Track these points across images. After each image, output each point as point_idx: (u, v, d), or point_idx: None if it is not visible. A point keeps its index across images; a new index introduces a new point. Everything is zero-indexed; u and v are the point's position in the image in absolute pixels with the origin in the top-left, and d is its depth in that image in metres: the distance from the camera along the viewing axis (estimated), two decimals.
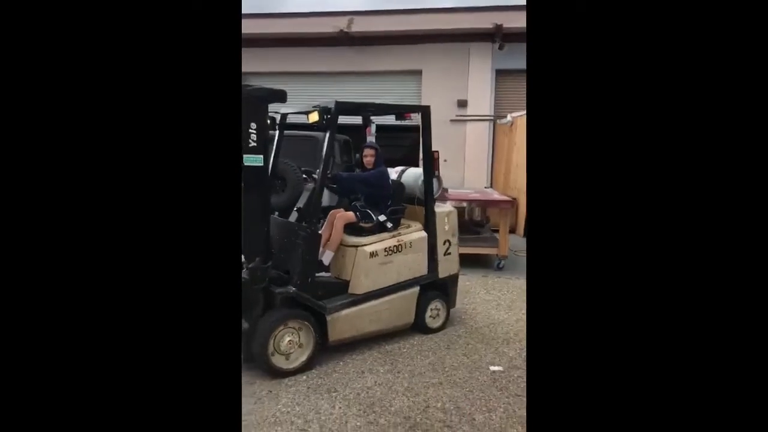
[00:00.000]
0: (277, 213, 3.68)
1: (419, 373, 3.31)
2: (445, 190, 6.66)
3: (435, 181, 4.01)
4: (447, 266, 3.98)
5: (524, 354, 3.54)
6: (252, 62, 10.82)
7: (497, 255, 6.11)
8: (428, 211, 3.84)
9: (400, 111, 3.80)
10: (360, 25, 9.87)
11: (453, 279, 4.09)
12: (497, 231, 6.45)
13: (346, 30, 9.88)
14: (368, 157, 3.77)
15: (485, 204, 6.93)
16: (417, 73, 10.02)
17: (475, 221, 7.28)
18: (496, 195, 7.15)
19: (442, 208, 4.03)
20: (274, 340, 3.14)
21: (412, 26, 9.47)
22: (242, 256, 3.17)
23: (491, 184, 9.30)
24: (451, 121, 9.71)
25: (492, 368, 3.40)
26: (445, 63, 9.69)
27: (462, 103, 9.68)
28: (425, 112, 3.79)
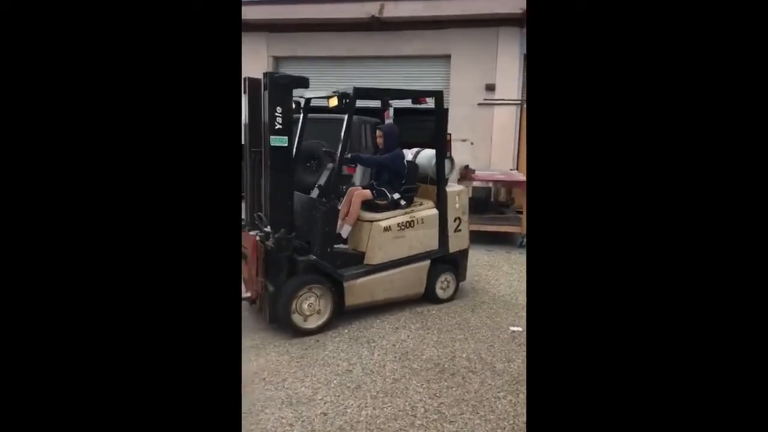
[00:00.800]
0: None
1: (447, 330, 3.76)
2: (473, 171, 6.93)
3: (447, 162, 4.29)
4: (457, 242, 4.28)
5: None
6: (285, 47, 11.22)
7: (520, 233, 6.43)
8: (440, 190, 4.14)
9: (416, 96, 4.06)
10: (390, 11, 10.08)
11: (463, 254, 4.38)
12: (521, 212, 6.72)
13: (377, 15, 10.12)
14: (379, 138, 4.10)
15: (510, 185, 7.17)
16: (446, 58, 10.16)
17: (500, 202, 7.52)
18: (521, 176, 7.33)
19: (453, 188, 4.31)
20: (297, 302, 3.51)
21: (441, 11, 9.60)
22: (269, 227, 3.56)
23: (517, 166, 9.44)
24: (479, 104, 9.85)
25: (512, 329, 3.82)
26: (473, 47, 9.80)
27: (490, 87, 9.78)
28: (438, 96, 4.06)
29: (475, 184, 6.79)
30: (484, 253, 6.11)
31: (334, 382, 2.96)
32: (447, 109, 10.15)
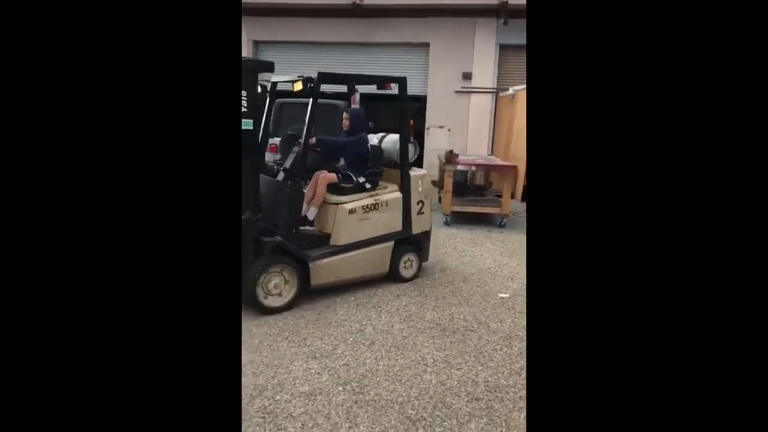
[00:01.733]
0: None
1: (443, 297, 4.18)
2: (456, 155, 7.15)
3: (411, 147, 4.42)
4: (420, 224, 4.44)
5: (525, 286, 4.28)
6: (266, 31, 11.19)
7: (500, 214, 6.87)
8: (403, 174, 4.28)
9: (381, 81, 4.18)
10: None
11: (426, 235, 4.54)
12: (500, 196, 7.12)
13: (359, 2, 10.17)
14: (345, 120, 4.22)
15: (491, 169, 7.43)
16: (425, 46, 10.27)
17: (476, 185, 7.75)
18: (499, 161, 7.72)
19: (416, 172, 4.46)
20: (263, 281, 3.64)
21: (421, 0, 9.69)
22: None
23: (492, 152, 9.61)
24: (456, 92, 9.99)
25: (500, 295, 4.27)
26: (451, 37, 9.92)
27: (467, 76, 9.93)
28: (402, 82, 4.18)
29: (459, 167, 7.07)
30: (466, 232, 6.53)
31: (350, 339, 3.35)
32: (425, 96, 10.30)
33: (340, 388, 2.74)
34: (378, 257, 4.22)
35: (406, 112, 4.30)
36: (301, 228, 3.90)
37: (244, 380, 2.74)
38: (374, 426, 2.41)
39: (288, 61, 11.21)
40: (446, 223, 6.86)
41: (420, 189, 4.39)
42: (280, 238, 3.71)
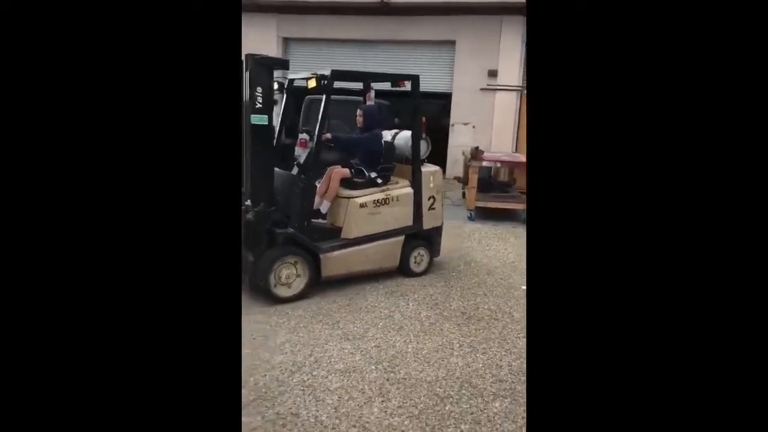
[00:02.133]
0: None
1: (468, 288, 4.35)
2: (482, 152, 7.20)
3: (423, 143, 4.49)
4: (431, 219, 4.50)
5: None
6: (295, 28, 11.40)
7: (523, 210, 6.90)
8: (415, 170, 4.34)
9: (394, 79, 4.26)
10: None
11: (437, 230, 4.60)
12: (524, 192, 7.15)
13: (386, 1, 10.27)
14: (360, 117, 4.31)
15: (515, 165, 7.46)
16: (451, 43, 10.29)
17: (501, 182, 7.77)
18: (523, 158, 7.64)
19: (428, 168, 4.52)
20: (275, 271, 3.78)
21: None
22: (249, 201, 3.81)
23: (516, 149, 9.57)
24: (481, 90, 9.98)
25: (523, 287, 4.37)
26: (477, 34, 9.91)
27: (492, 73, 9.91)
28: (414, 80, 4.24)
29: (484, 164, 7.15)
30: (491, 227, 6.65)
31: (380, 324, 3.56)
32: (450, 93, 10.32)
33: (373, 367, 2.95)
34: (388, 251, 4.30)
35: (419, 110, 4.37)
36: (313, 221, 4.02)
37: (282, 357, 3.01)
38: (405, 401, 2.61)
39: (316, 58, 11.41)
40: (471, 218, 6.92)
41: (431, 185, 4.45)
42: (292, 229, 3.84)
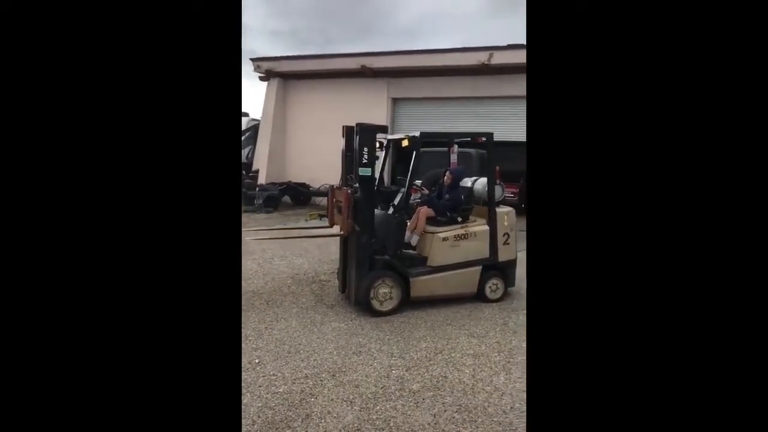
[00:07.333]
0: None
1: None
2: None
3: (498, 188, 5.33)
4: (505, 253, 5.27)
5: None
6: (401, 89, 12.93)
7: None
8: (490, 210, 5.20)
9: (473, 137, 5.21)
10: (498, 58, 11.37)
11: (511, 263, 5.33)
12: None
13: (486, 62, 11.46)
14: (448, 179, 5.32)
15: None
16: None
17: None
18: None
19: (502, 209, 5.34)
20: (374, 290, 4.79)
21: None
22: (357, 185, 4.77)
23: None
24: None
25: None
26: None
27: None
28: (489, 137, 5.16)
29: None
30: None
31: (498, 328, 4.53)
32: None
33: (495, 354, 3.92)
34: (467, 278, 5.14)
35: (493, 160, 5.25)
36: (404, 250, 5.01)
37: (425, 344, 4.06)
38: (522, 375, 3.51)
39: (421, 114, 12.79)
40: None
41: (506, 223, 5.25)
42: (388, 257, 4.85)
